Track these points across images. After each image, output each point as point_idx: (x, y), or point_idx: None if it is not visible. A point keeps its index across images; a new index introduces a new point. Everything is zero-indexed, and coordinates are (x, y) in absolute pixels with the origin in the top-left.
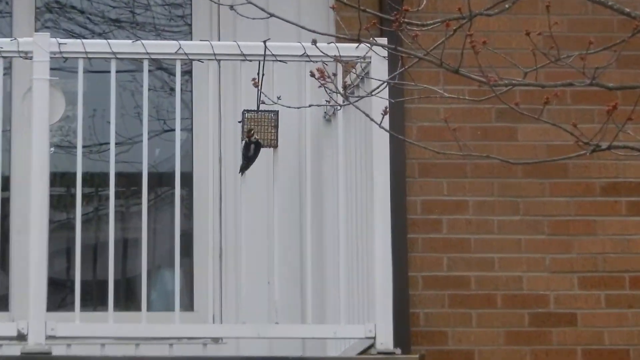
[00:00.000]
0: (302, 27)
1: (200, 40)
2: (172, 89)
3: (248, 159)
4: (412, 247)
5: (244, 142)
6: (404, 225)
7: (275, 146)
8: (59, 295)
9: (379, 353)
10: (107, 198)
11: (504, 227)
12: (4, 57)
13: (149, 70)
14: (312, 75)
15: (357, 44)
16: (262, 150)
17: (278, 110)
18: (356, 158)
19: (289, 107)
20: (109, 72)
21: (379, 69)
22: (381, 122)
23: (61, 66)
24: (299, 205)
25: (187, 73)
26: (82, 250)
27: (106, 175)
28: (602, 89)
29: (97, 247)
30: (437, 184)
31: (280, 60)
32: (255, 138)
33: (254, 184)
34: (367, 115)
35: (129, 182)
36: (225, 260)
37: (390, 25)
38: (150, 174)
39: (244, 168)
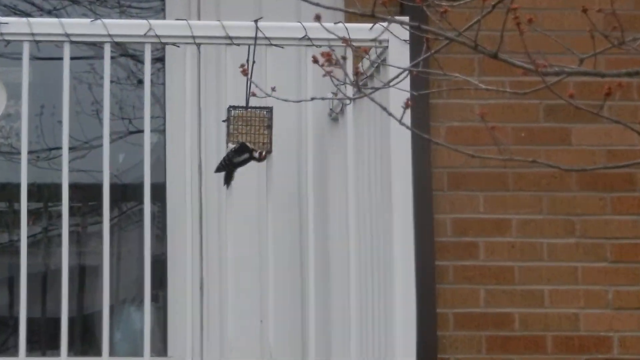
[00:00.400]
0: None
1: (176, 20)
2: (140, 81)
3: (231, 165)
4: (441, 278)
5: (233, 146)
6: (431, 250)
7: (269, 151)
8: None
9: None
10: (60, 215)
11: (555, 252)
12: None
13: (112, 57)
14: (315, 61)
15: (371, 24)
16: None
17: (272, 107)
18: (370, 165)
19: (286, 100)
20: (62, 59)
21: (399, 54)
22: (402, 117)
23: (1, 51)
24: (299, 223)
25: (159, 60)
26: (29, 280)
27: (58, 188)
28: None
29: (48, 277)
30: (472, 199)
31: (275, 45)
32: (258, 154)
33: (243, 197)
34: (384, 109)
35: (86, 195)
36: (208, 294)
37: (413, 0)
38: (112, 186)
39: (221, 169)
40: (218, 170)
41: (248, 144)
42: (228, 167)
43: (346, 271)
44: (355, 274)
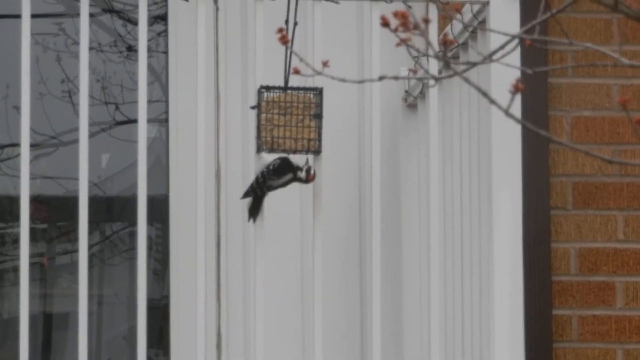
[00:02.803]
0: None
1: None
2: (132, 49)
3: (265, 188)
4: (561, 333)
5: (273, 161)
6: (547, 293)
7: (317, 150)
8: None
9: None
10: (16, 241)
11: None
12: None
13: (90, 14)
14: (385, 23)
15: None
16: (295, 157)
17: (322, 88)
18: (461, 172)
19: (343, 80)
20: (20, 17)
21: (505, 15)
22: (509, 106)
23: None
24: (358, 255)
25: (159, 19)
26: None
27: (14, 201)
28: None
29: None
30: (607, 221)
31: None
32: (305, 173)
33: (279, 217)
34: (483, 94)
35: (54, 212)
36: (227, 356)
37: None
38: (92, 200)
39: (250, 193)
40: (246, 195)
41: (289, 158)
42: (260, 191)
43: (427, 328)
44: (438, 329)
